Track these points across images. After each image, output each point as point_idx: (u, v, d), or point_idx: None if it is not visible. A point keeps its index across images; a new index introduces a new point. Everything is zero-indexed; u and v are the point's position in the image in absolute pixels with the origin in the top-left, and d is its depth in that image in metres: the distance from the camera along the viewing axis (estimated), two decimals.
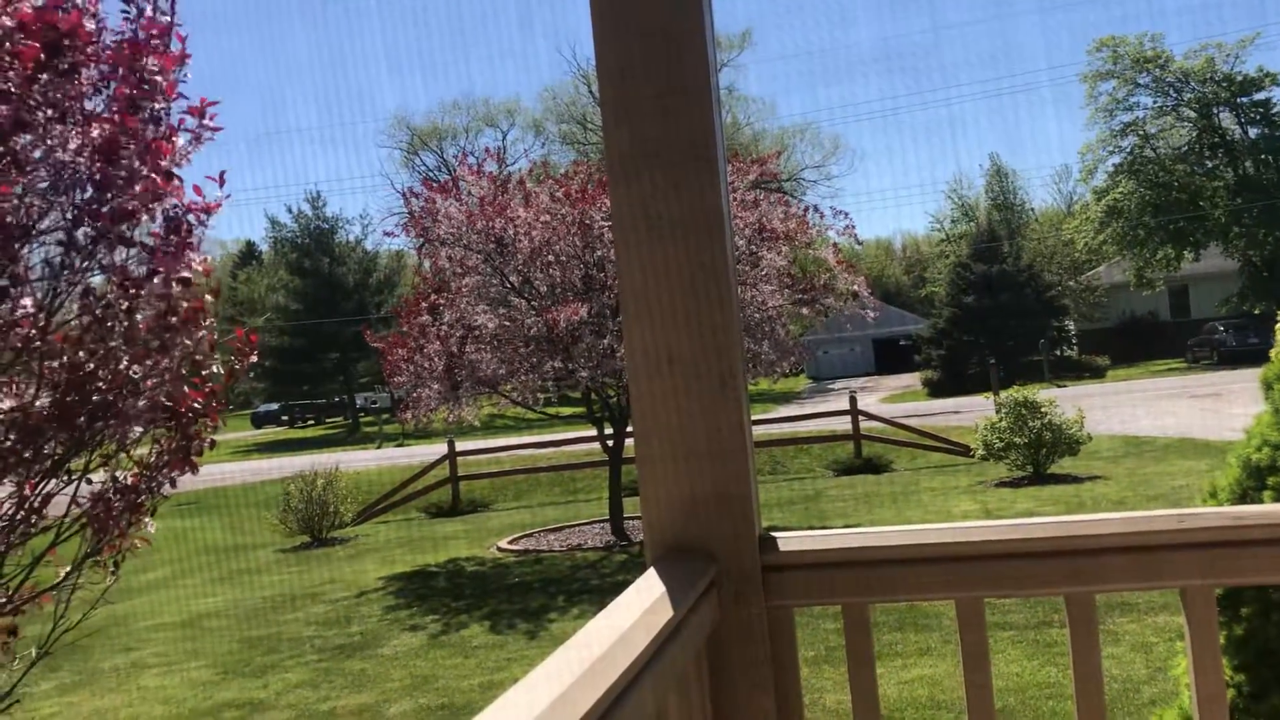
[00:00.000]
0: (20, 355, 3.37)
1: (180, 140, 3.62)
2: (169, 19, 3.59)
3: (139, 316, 3.53)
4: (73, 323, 3.53)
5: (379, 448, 33.43)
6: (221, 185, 3.80)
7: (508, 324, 11.51)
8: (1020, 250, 45.40)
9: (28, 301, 3.41)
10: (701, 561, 1.54)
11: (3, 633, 3.57)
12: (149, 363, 3.58)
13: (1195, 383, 27.97)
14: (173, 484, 3.90)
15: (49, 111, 3.25)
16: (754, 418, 2.11)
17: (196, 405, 3.85)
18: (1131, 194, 38.81)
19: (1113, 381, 33.06)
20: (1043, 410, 13.19)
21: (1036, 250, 47.59)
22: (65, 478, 3.70)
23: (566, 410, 24.93)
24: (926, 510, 12.08)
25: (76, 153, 3.35)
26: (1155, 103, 39.75)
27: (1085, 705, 1.60)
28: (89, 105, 3.46)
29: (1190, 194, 38.51)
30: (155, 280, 3.51)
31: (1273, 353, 2.83)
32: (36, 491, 3.54)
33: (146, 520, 3.87)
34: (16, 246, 3.29)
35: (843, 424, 18.19)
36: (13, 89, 3.10)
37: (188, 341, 3.65)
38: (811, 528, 10.87)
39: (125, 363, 3.55)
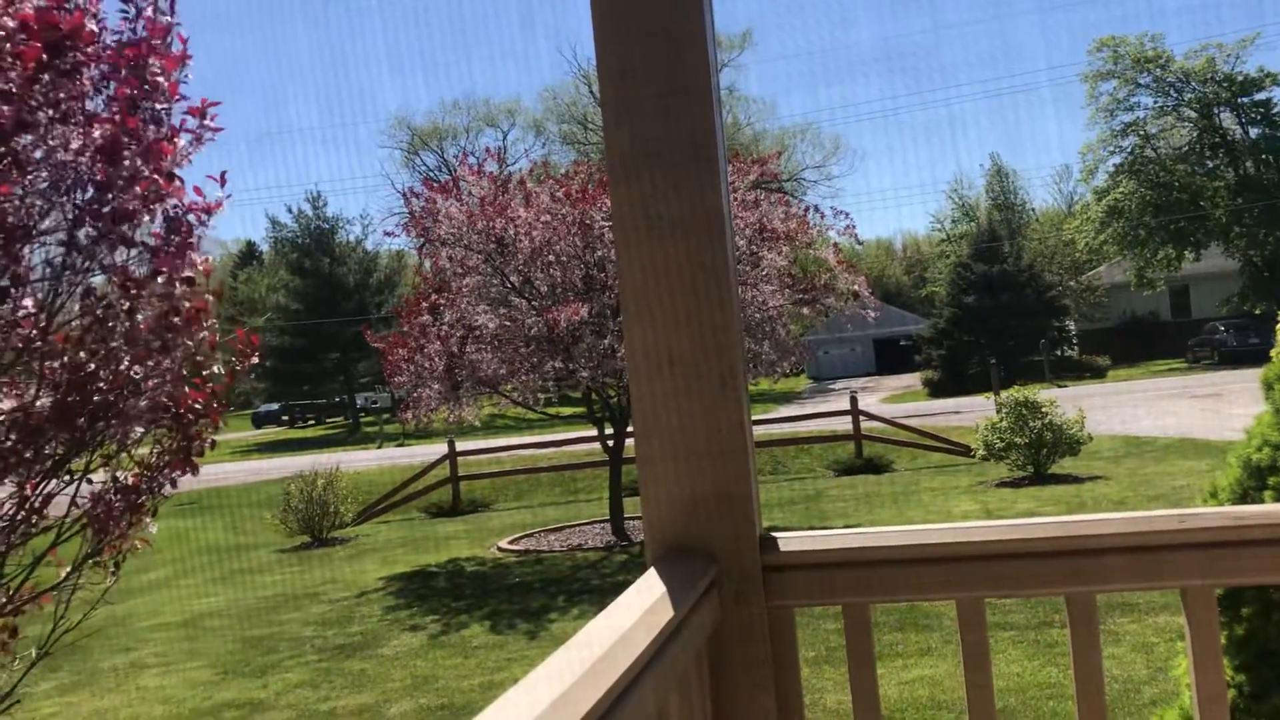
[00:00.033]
0: (21, 355, 3.38)
1: (181, 141, 3.63)
2: (169, 19, 3.60)
3: (140, 317, 3.54)
4: (74, 323, 3.54)
5: (379, 448, 33.43)
6: (223, 185, 3.81)
7: (508, 324, 11.52)
8: (1021, 250, 45.40)
9: (29, 302, 3.41)
10: (702, 561, 1.54)
11: (3, 632, 3.58)
12: (150, 363, 3.58)
13: (1196, 383, 27.96)
14: (173, 484, 3.90)
15: (50, 112, 3.26)
16: (754, 418, 2.11)
17: (197, 406, 3.85)
18: (1132, 194, 38.80)
19: (1113, 381, 33.06)
20: (1043, 410, 13.19)
21: (1037, 250, 47.58)
22: (66, 478, 3.70)
23: (567, 410, 24.93)
24: (927, 510, 12.08)
25: (78, 153, 3.35)
26: (1156, 103, 39.77)
27: (1086, 705, 1.60)
28: (90, 106, 3.46)
29: (1191, 194, 38.50)
30: (158, 280, 3.51)
31: (1273, 353, 2.83)
32: (37, 492, 3.55)
33: (147, 520, 3.87)
34: (18, 247, 3.29)
35: (843, 424, 18.19)
36: (14, 89, 3.10)
37: (189, 342, 3.65)
38: (812, 528, 10.87)
39: (126, 363, 3.55)
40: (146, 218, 3.56)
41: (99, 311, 3.48)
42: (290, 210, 52.98)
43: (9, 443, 3.34)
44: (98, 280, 3.63)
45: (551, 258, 11.44)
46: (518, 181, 12.56)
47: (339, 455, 25.39)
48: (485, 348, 11.61)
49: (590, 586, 9.66)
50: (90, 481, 3.78)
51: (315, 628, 9.11)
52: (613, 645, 1.12)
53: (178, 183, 3.63)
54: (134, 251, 3.59)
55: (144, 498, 3.82)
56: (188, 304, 3.62)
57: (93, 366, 3.48)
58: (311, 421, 54.50)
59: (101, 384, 3.50)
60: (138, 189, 3.45)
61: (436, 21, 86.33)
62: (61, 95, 3.25)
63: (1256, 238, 36.87)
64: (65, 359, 3.45)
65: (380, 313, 42.84)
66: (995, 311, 37.48)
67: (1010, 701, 5.42)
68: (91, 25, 3.36)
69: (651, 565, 1.49)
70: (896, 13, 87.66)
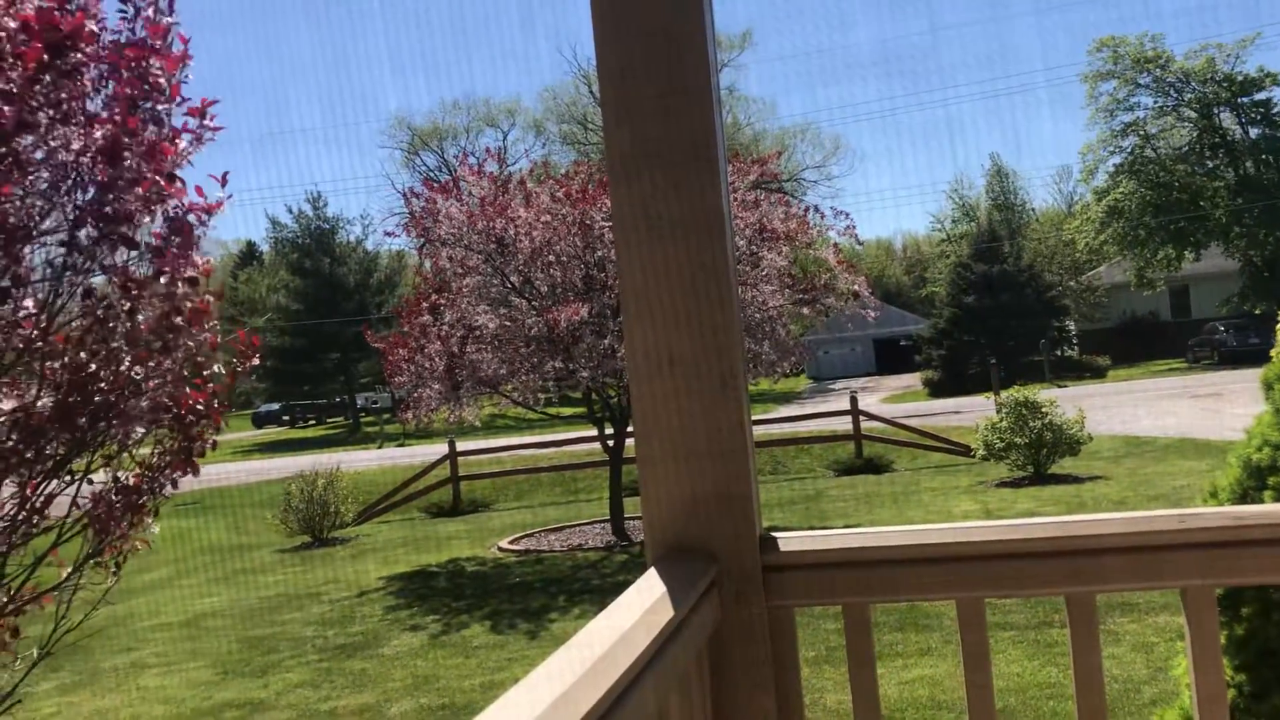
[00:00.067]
0: (22, 356, 3.38)
1: (182, 142, 3.63)
2: (169, 20, 3.60)
3: (141, 317, 3.54)
4: (74, 323, 3.54)
5: (380, 448, 33.43)
6: (223, 186, 3.81)
7: (508, 324, 11.52)
8: (1021, 250, 45.40)
9: (30, 302, 3.41)
10: (702, 561, 1.54)
11: (5, 632, 3.58)
12: (151, 364, 3.58)
13: (1196, 383, 27.96)
14: (174, 485, 3.91)
15: (51, 112, 3.26)
16: (755, 418, 2.11)
17: (199, 406, 3.85)
18: (1132, 194, 38.79)
19: (1113, 381, 33.06)
20: (1043, 410, 13.19)
21: (1037, 250, 47.58)
22: (67, 478, 3.70)
23: (567, 410, 24.93)
24: (927, 510, 12.08)
25: (79, 154, 3.36)
26: (1156, 103, 39.75)
27: (1086, 705, 1.61)
28: (90, 106, 3.47)
29: (1191, 194, 38.50)
30: (160, 281, 3.51)
31: (1273, 353, 2.83)
32: (38, 492, 3.55)
33: (149, 520, 3.88)
34: (18, 247, 3.29)
35: (843, 424, 18.19)
36: (15, 89, 3.10)
37: (190, 343, 3.66)
38: (812, 528, 10.87)
39: (127, 363, 3.55)
40: (147, 218, 3.56)
41: (99, 312, 3.49)
42: (290, 210, 53.02)
43: (10, 443, 3.34)
44: (98, 280, 3.64)
45: (552, 258, 11.44)
46: (518, 182, 12.56)
47: (339, 455, 25.39)
48: (485, 348, 11.61)
49: (591, 586, 9.67)
50: (91, 482, 3.79)
51: (316, 627, 9.11)
52: (613, 645, 1.12)
53: (179, 184, 3.63)
54: (135, 252, 3.60)
55: (145, 498, 3.82)
56: (189, 304, 3.63)
57: (94, 367, 3.48)
58: (312, 422, 54.51)
59: (102, 384, 3.50)
60: (139, 190, 3.45)
61: (437, 22, 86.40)
62: (63, 96, 3.25)
63: (1256, 238, 36.87)
64: (66, 359, 3.45)
65: (380, 313, 42.84)
66: (995, 311, 37.47)
67: (1010, 701, 5.42)
68: (92, 26, 3.36)
69: (652, 565, 1.50)
70: (894, 14, 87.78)
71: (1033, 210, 64.54)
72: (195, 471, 3.93)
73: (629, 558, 10.97)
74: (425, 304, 12.30)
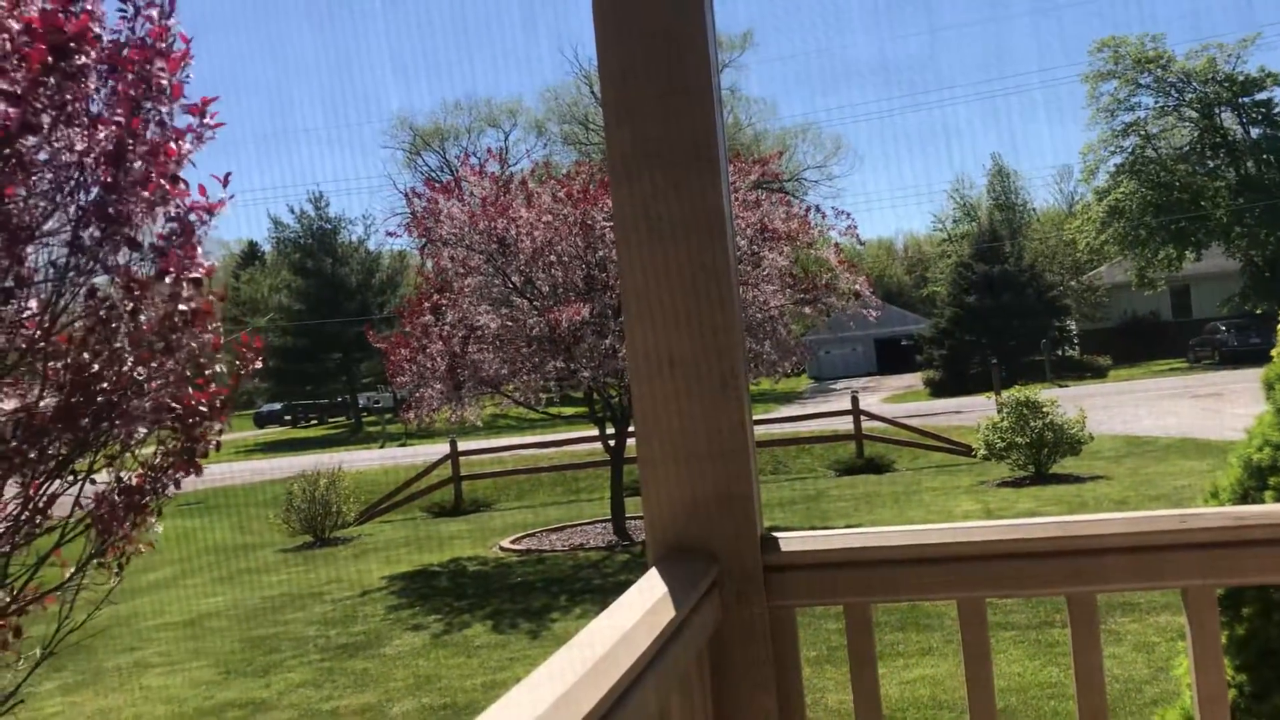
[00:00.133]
0: (25, 356, 3.38)
1: (185, 144, 3.63)
2: (170, 21, 3.60)
3: (143, 317, 3.55)
4: (77, 324, 3.55)
5: (382, 447, 33.45)
6: (225, 186, 3.81)
7: (510, 324, 11.52)
8: (1022, 250, 45.37)
9: (33, 303, 3.42)
10: (703, 562, 1.54)
11: (8, 632, 3.59)
12: (154, 364, 3.59)
13: (1197, 383, 27.94)
14: (177, 485, 3.91)
15: (55, 114, 3.26)
16: (755, 418, 2.12)
17: (202, 408, 3.86)
18: (1133, 194, 38.77)
19: (1114, 381, 33.04)
20: (1044, 410, 13.19)
21: (1038, 250, 47.57)
22: (70, 478, 3.71)
23: (569, 410, 24.93)
24: (928, 510, 12.08)
25: (82, 155, 3.36)
26: (1157, 103, 39.73)
27: (1087, 705, 1.61)
28: (94, 108, 3.47)
29: (1192, 194, 38.47)
30: (165, 281, 3.52)
31: (1274, 352, 2.83)
32: (41, 492, 3.55)
33: (151, 520, 3.88)
34: (21, 248, 3.30)
35: (844, 424, 18.19)
36: (19, 91, 3.11)
37: (193, 343, 3.66)
38: (813, 528, 10.87)
39: (130, 364, 3.56)
40: (150, 219, 3.56)
41: (102, 312, 3.49)
42: (293, 210, 52.94)
43: (13, 443, 3.34)
44: (100, 281, 3.64)
45: (553, 258, 11.45)
46: (519, 182, 12.57)
47: (341, 455, 25.40)
48: (487, 348, 11.62)
49: (592, 586, 9.67)
50: (94, 482, 3.79)
51: (318, 627, 9.12)
52: (614, 645, 1.12)
53: (182, 184, 3.64)
54: (136, 253, 3.60)
55: (148, 498, 3.83)
56: (192, 305, 3.63)
57: (96, 367, 3.49)
58: (314, 421, 54.54)
59: (105, 384, 3.51)
60: (142, 191, 3.46)
61: (439, 22, 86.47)
62: (67, 98, 3.26)
63: (1257, 237, 36.84)
64: (69, 359, 3.45)
65: (382, 313, 42.85)
66: (996, 311, 37.46)
67: (1011, 701, 5.42)
68: (96, 28, 3.36)
69: (653, 565, 1.50)
70: (892, 15, 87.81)
71: (1034, 210, 64.52)
72: (198, 472, 3.94)
73: (630, 557, 10.97)
74: (427, 304, 12.31)
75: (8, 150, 3.13)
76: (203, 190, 3.77)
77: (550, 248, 11.38)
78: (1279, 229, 36.32)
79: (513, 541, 12.78)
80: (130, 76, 3.47)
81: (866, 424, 17.89)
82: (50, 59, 3.17)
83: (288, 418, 55.23)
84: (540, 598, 9.36)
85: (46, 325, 3.44)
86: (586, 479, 18.32)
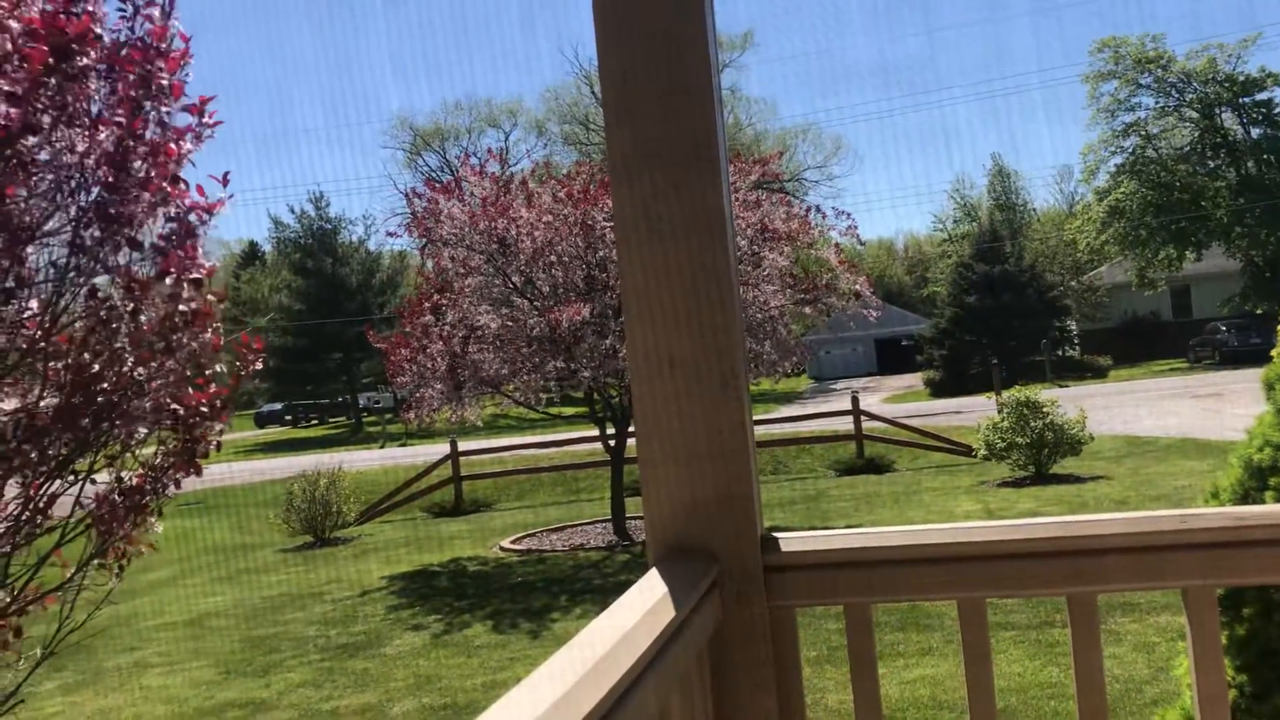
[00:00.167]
0: (26, 356, 3.38)
1: (185, 143, 3.64)
2: (171, 21, 3.61)
3: (144, 318, 3.55)
4: (78, 324, 3.55)
5: (382, 447, 33.45)
6: (225, 185, 3.81)
7: (510, 324, 11.53)
8: (1022, 250, 45.37)
9: (33, 303, 3.42)
10: (704, 562, 1.54)
11: (8, 632, 3.59)
12: (154, 364, 3.59)
13: (1197, 383, 27.94)
14: (177, 485, 3.91)
15: (56, 114, 3.27)
16: (756, 418, 2.12)
17: (202, 408, 3.86)
18: (1133, 194, 38.77)
19: (1115, 381, 33.04)
20: (1045, 410, 13.19)
21: (1038, 250, 47.56)
22: (70, 478, 3.71)
23: (569, 410, 24.93)
24: (928, 510, 12.08)
25: (83, 155, 3.36)
26: (1157, 103, 39.73)
27: (1087, 705, 1.61)
28: (95, 109, 3.47)
29: (1192, 194, 38.47)
30: (166, 281, 3.52)
31: (1274, 353, 2.83)
32: (41, 492, 3.55)
33: (152, 520, 3.88)
34: (22, 248, 3.30)
35: (845, 424, 18.19)
36: (20, 92, 3.11)
37: (193, 344, 3.66)
38: (813, 528, 10.87)
39: (130, 364, 3.56)
40: (150, 220, 3.57)
41: (103, 313, 3.49)
42: (293, 210, 52.93)
43: (14, 443, 3.35)
44: (101, 281, 3.65)
45: (553, 258, 11.45)
46: (519, 182, 12.57)
47: (342, 455, 25.40)
48: (487, 348, 11.62)
49: (592, 586, 9.67)
50: (94, 482, 3.79)
51: (318, 627, 9.12)
52: (615, 645, 1.12)
53: (182, 185, 3.64)
54: (137, 253, 3.60)
55: (148, 498, 3.83)
56: (192, 305, 3.63)
57: (97, 367, 3.49)
58: (314, 421, 54.55)
59: (105, 385, 3.51)
60: (143, 191, 3.46)
61: (439, 23, 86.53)
62: (68, 98, 3.26)
63: (1258, 238, 36.84)
64: (69, 360, 3.45)
65: (383, 313, 42.86)
66: (997, 311, 37.45)
67: (1011, 701, 5.42)
68: (97, 29, 3.36)
69: (653, 565, 1.50)
70: (892, 16, 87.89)
71: (1034, 210, 64.51)
72: (198, 472, 3.94)
73: (630, 557, 10.97)
74: (427, 304, 12.31)
75: (9, 151, 3.13)
76: (201, 190, 3.77)
77: (550, 248, 11.38)
78: (1279, 229, 36.31)
79: (513, 541, 12.78)
80: (131, 77, 3.47)
81: (867, 424, 17.89)
82: (51, 60, 3.17)
83: (288, 418, 55.24)
84: (540, 598, 9.36)
85: (47, 325, 3.45)
86: (587, 479, 18.32)
